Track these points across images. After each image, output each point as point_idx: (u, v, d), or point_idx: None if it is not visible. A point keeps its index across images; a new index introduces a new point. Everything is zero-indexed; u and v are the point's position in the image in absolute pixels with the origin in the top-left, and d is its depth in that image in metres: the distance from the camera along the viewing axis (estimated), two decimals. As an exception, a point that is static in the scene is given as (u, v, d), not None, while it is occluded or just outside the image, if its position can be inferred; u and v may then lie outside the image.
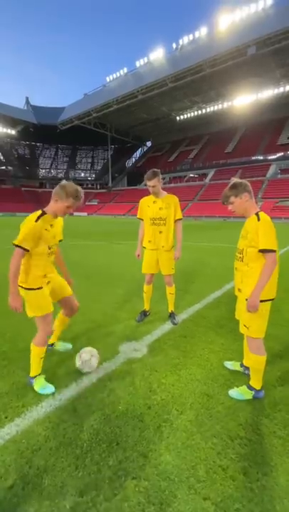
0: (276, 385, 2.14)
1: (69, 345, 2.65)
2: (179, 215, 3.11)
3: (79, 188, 2.00)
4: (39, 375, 2.11)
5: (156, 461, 1.49)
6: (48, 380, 2.15)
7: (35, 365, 2.10)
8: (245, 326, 1.96)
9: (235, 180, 1.96)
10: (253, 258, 1.87)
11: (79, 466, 1.47)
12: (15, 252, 1.88)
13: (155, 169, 2.94)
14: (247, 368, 2.20)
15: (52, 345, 2.58)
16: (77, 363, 2.24)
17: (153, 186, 2.93)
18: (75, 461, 1.49)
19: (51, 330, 2.17)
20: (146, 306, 3.44)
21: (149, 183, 2.93)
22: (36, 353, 2.08)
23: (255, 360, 1.94)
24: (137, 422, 1.76)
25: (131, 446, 1.58)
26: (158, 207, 3.04)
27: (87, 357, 2.24)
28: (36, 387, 2.06)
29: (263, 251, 1.80)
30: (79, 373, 2.24)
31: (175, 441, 1.62)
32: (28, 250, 1.90)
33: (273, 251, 1.79)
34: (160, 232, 3.08)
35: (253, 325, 1.91)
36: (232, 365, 2.35)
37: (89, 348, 2.31)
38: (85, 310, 3.64)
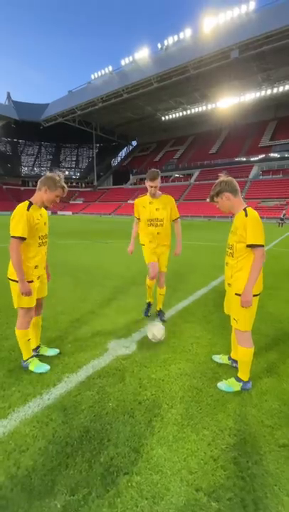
0: (263, 376, 2.20)
1: (56, 351, 2.48)
2: (176, 214, 3.14)
3: (63, 177, 2.15)
4: (31, 357, 2.25)
5: (148, 455, 1.49)
6: (36, 379, 2.10)
7: (24, 347, 2.22)
8: (234, 319, 2.00)
9: (219, 179, 1.99)
10: (243, 253, 1.90)
11: (69, 464, 1.44)
12: (13, 244, 1.97)
13: (155, 169, 2.95)
14: (235, 361, 2.25)
15: (37, 349, 2.44)
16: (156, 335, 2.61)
17: (155, 186, 2.92)
18: (66, 460, 1.46)
19: (32, 317, 2.25)
20: (151, 299, 3.41)
21: (153, 184, 2.89)
22: (21, 336, 2.18)
23: (244, 353, 1.98)
24: (127, 418, 1.75)
25: (122, 442, 1.57)
26: (154, 208, 3.02)
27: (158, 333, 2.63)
28: (32, 368, 2.20)
29: (251, 246, 1.84)
30: (66, 373, 2.20)
31: (166, 434, 1.63)
32: (25, 239, 2.00)
33: (261, 246, 1.83)
34: (158, 233, 3.06)
35: (241, 318, 1.95)
36: (220, 358, 2.39)
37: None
38: (72, 309, 3.59)
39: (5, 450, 1.51)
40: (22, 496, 1.29)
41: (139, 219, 3.17)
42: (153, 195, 3.02)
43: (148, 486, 1.33)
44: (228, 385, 2.04)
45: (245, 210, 1.89)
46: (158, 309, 3.38)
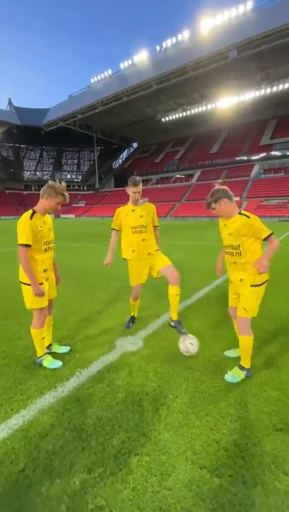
0: (262, 368, 2.33)
1: (67, 348, 2.65)
2: (157, 223, 3.13)
3: (65, 185, 2.29)
4: (44, 354, 2.42)
5: (156, 439, 1.64)
6: (50, 374, 2.26)
7: (39, 345, 2.39)
8: (244, 308, 2.17)
9: (215, 187, 2.21)
10: (251, 249, 2.13)
11: (85, 447, 1.59)
12: (20, 252, 2.13)
13: (137, 176, 2.98)
14: None
15: (49, 347, 2.60)
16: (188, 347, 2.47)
17: (139, 192, 2.89)
18: (82, 444, 1.61)
19: (46, 316, 2.43)
20: (135, 313, 3.32)
21: (136, 189, 2.86)
22: (36, 335, 2.36)
23: (246, 340, 2.18)
24: (136, 407, 1.89)
25: (132, 428, 1.72)
26: (138, 215, 2.96)
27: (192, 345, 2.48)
28: (46, 364, 2.37)
29: (266, 238, 2.07)
30: (78, 368, 2.35)
31: (172, 421, 1.77)
32: (30, 245, 2.15)
33: (272, 234, 2.06)
34: (143, 239, 2.96)
35: (251, 307, 2.15)
36: (232, 352, 2.53)
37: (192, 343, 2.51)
38: (80, 309, 3.75)
39: (26, 436, 1.67)
40: (44, 476, 1.44)
41: (118, 230, 3.07)
42: (135, 203, 2.97)
43: (156, 465, 1.48)
44: (233, 375, 2.19)
45: (243, 213, 2.11)
46: (173, 319, 2.97)
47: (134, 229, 2.96)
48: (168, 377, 2.22)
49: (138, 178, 2.92)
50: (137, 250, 2.98)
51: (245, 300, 2.17)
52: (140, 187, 2.89)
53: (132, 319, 3.31)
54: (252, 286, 2.13)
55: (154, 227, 3.13)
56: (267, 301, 3.92)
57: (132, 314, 3.34)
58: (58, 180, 2.25)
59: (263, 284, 2.15)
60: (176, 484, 1.38)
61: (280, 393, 2.03)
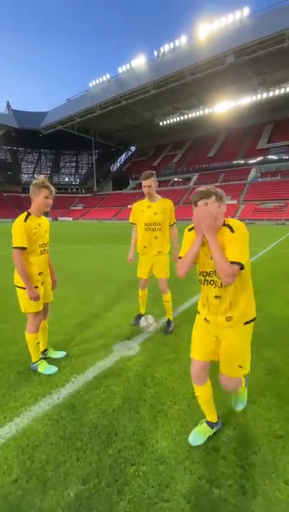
0: (261, 373, 2.30)
1: (63, 353, 2.60)
2: (173, 220, 3.07)
3: (44, 177, 2.27)
4: (39, 359, 2.37)
5: (154, 448, 1.59)
6: (45, 380, 2.21)
7: (34, 350, 2.34)
8: (240, 366, 1.56)
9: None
10: (242, 274, 1.45)
11: (80, 457, 1.54)
12: (15, 254, 2.11)
13: (151, 170, 2.95)
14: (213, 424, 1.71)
15: (44, 352, 2.55)
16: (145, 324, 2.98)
17: (149, 186, 2.88)
18: (76, 453, 1.56)
19: (41, 320, 2.39)
20: (142, 310, 3.35)
21: (145, 183, 2.88)
22: (31, 340, 2.31)
23: (243, 391, 1.86)
24: (133, 414, 1.85)
25: (129, 436, 1.67)
26: (153, 212, 2.96)
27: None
28: (41, 370, 2.32)
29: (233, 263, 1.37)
30: (74, 373, 2.30)
31: (170, 429, 1.73)
32: (25, 248, 2.13)
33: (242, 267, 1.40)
34: (155, 237, 3.00)
35: (248, 359, 1.59)
36: (197, 437, 1.64)
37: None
38: (76, 313, 3.70)
39: (19, 445, 1.62)
40: (37, 487, 1.39)
41: (135, 224, 3.14)
42: (150, 198, 2.99)
43: (154, 476, 1.43)
44: (241, 400, 1.88)
45: (227, 224, 1.45)
46: (167, 319, 3.23)
47: (148, 226, 3.01)
48: (166, 383, 2.18)
49: (149, 171, 2.92)
50: (149, 247, 3.06)
51: (242, 352, 1.54)
52: (151, 181, 2.89)
53: (140, 317, 3.27)
54: (246, 323, 1.52)
55: (171, 225, 3.08)
56: (266, 305, 3.91)
57: (140, 311, 3.36)
58: (37, 176, 2.25)
59: (254, 319, 1.56)
60: (174, 495, 1.33)
61: (279, 399, 1.99)
